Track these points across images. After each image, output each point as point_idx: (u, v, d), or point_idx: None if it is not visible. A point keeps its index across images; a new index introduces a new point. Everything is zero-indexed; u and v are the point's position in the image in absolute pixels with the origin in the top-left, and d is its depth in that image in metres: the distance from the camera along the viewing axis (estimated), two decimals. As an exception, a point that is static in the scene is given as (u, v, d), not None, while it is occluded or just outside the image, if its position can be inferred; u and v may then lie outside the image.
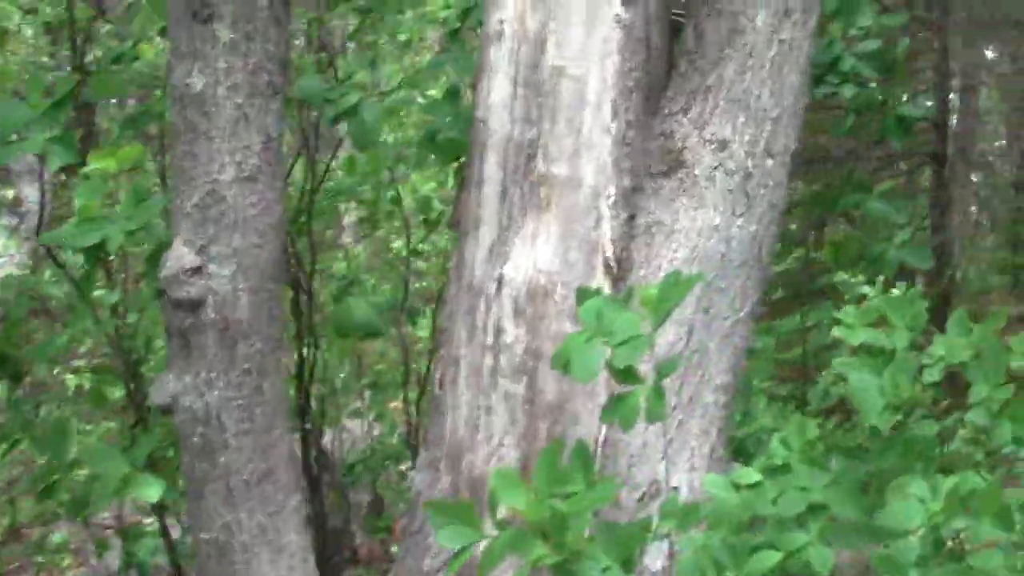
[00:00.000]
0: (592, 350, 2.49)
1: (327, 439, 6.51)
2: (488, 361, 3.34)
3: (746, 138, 3.44)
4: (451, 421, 3.42)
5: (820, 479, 2.98)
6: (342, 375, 6.84)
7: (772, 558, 2.58)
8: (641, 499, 3.39)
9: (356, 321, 4.37)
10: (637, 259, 3.45)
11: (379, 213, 6.04)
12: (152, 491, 3.18)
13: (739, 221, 3.44)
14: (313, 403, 5.20)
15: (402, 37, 6.42)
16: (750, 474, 3.19)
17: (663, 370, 2.53)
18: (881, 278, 6.73)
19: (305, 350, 4.96)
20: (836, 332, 3.28)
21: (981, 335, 3.23)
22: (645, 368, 2.63)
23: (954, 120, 17.72)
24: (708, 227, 3.42)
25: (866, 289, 6.82)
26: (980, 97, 18.58)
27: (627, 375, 2.50)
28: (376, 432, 6.80)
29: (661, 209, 3.45)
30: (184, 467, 3.28)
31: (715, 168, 3.43)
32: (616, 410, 2.52)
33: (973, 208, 17.60)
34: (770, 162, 3.47)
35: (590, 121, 3.37)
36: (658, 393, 2.48)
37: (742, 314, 3.50)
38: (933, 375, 3.18)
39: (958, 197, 14.20)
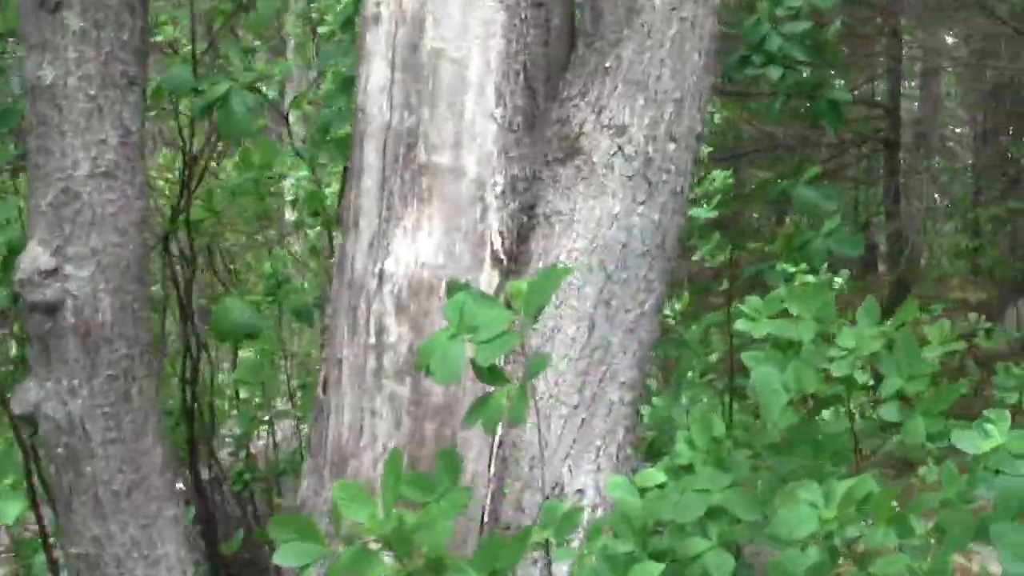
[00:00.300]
0: (454, 348, 2.32)
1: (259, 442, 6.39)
2: (371, 361, 3.16)
3: (645, 121, 3.29)
4: (335, 425, 3.24)
5: (722, 480, 2.84)
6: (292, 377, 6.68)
7: (652, 571, 2.43)
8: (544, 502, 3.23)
9: (234, 322, 4.17)
10: (535, 251, 3.30)
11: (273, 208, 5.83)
12: (9, 509, 3.00)
13: (640, 209, 3.29)
14: (220, 408, 5.00)
15: (324, 29, 6.26)
16: (654, 475, 3.04)
17: (532, 367, 2.37)
18: (825, 267, 6.59)
19: (198, 353, 4.76)
20: (739, 324, 3.11)
21: (894, 325, 3.08)
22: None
23: (915, 106, 17.70)
24: (607, 216, 3.26)
25: (808, 279, 6.70)
26: (940, 82, 18.54)
27: (491, 375, 2.33)
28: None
29: (559, 198, 3.30)
30: (52, 479, 3.11)
31: (613, 154, 3.27)
32: (478, 412, 2.36)
33: (936, 196, 17.52)
34: (672, 146, 3.32)
35: (472, 106, 3.19)
36: (521, 394, 2.31)
37: (647, 307, 3.35)
38: (843, 368, 3.02)
39: (916, 183, 14.11)
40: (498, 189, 3.21)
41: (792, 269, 5.83)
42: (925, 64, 17.13)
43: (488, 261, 3.18)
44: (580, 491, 3.27)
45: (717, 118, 8.56)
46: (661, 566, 2.43)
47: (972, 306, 14.72)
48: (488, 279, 3.16)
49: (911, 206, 12.79)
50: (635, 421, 3.46)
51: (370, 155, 3.23)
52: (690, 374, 5.79)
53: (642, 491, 2.95)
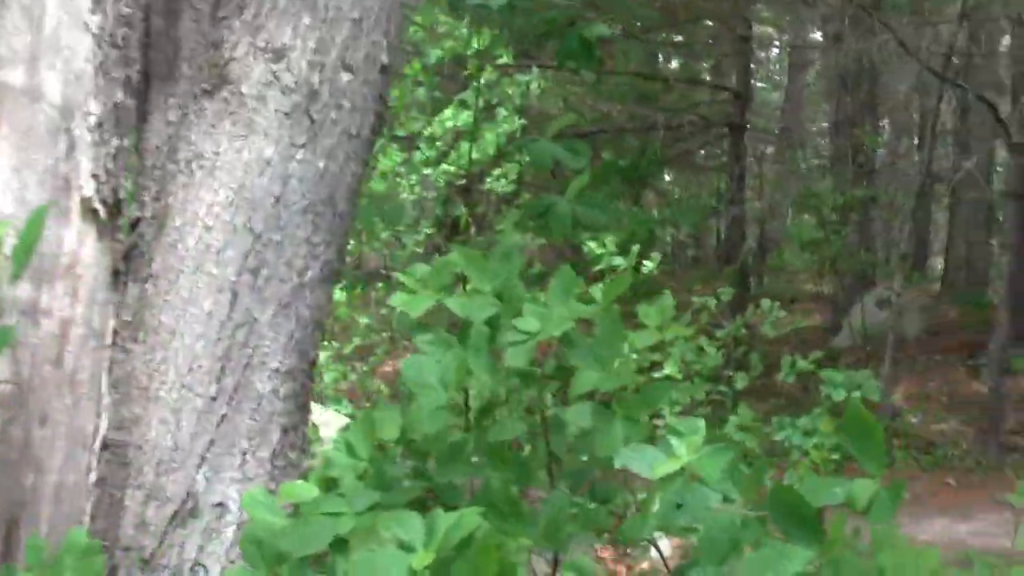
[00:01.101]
0: None
1: None
2: (-80, 338, 2.44)
3: (311, 45, 2.63)
4: None
5: (363, 502, 2.18)
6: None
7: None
8: (173, 518, 2.57)
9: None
10: (174, 206, 2.61)
11: None
12: None
13: (300, 154, 2.63)
14: None
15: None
16: (304, 489, 2.38)
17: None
18: (636, 248, 5.90)
19: None
20: (393, 301, 2.44)
21: (603, 304, 2.46)
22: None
23: (779, 98, 17.44)
24: (257, 161, 2.60)
25: (618, 260, 6.00)
26: (806, 75, 18.36)
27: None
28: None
29: (203, 139, 2.62)
30: None
31: (267, 84, 2.61)
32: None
33: (794, 188, 17.29)
34: (346, 77, 2.66)
35: (56, 11, 2.47)
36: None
37: (308, 277, 2.68)
38: (519, 357, 2.36)
39: (775, 174, 13.76)
40: (92, 120, 2.50)
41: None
42: (793, 57, 16.89)
43: (76, 213, 2.46)
44: (220, 505, 2.62)
45: (536, 87, 7.91)
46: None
47: (823, 299, 14.39)
48: (76, 236, 2.46)
49: (763, 198, 12.40)
50: (301, 419, 2.79)
51: (-72, 75, 2.51)
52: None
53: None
